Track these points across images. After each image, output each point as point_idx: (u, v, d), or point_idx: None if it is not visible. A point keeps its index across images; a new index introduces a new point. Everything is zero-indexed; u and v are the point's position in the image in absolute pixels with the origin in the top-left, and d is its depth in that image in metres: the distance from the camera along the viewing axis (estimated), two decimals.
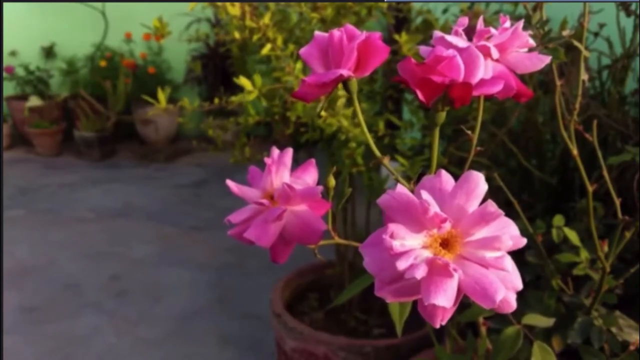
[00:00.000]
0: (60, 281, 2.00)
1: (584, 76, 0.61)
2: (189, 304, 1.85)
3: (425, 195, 0.32)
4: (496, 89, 0.38)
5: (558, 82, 0.62)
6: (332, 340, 1.20)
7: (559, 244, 0.79)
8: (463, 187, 0.33)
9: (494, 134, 1.15)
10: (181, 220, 2.51)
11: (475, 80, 0.38)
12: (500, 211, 0.31)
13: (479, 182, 0.33)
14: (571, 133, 0.63)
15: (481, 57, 0.38)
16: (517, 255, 0.85)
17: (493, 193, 1.03)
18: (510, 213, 0.79)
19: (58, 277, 2.03)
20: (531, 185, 1.16)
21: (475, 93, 0.38)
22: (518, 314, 0.65)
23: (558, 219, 0.79)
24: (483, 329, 0.71)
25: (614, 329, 0.68)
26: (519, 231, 0.80)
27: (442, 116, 0.40)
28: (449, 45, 0.39)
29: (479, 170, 0.33)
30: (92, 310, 1.82)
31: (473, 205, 0.33)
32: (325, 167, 1.17)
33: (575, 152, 0.63)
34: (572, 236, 0.76)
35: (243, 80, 0.94)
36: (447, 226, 0.32)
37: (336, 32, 0.40)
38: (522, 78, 1.12)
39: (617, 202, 0.67)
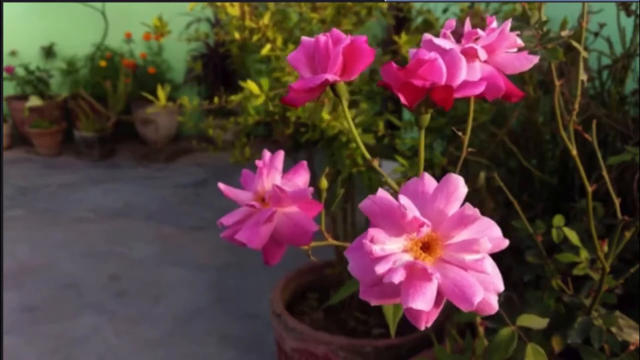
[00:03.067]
0: (60, 281, 2.00)
1: (583, 76, 0.61)
2: (189, 304, 1.86)
3: (403, 199, 0.32)
4: (478, 90, 0.38)
5: (557, 82, 0.62)
6: (332, 340, 1.20)
7: (559, 244, 0.79)
8: (443, 190, 0.33)
9: (494, 134, 1.15)
10: (181, 220, 2.51)
11: (457, 82, 0.38)
12: (479, 214, 0.32)
13: (458, 185, 0.33)
14: (571, 133, 0.63)
15: (463, 59, 0.38)
16: (517, 255, 0.84)
17: (493, 193, 1.03)
18: (510, 213, 0.79)
19: (58, 277, 2.03)
20: (531, 185, 1.16)
21: (457, 95, 0.38)
22: (518, 314, 0.65)
23: (558, 219, 0.79)
24: (481, 329, 0.71)
25: (614, 329, 0.68)
26: (519, 231, 0.80)
27: (426, 119, 0.40)
28: (436, 47, 0.39)
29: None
30: (92, 310, 1.82)
31: (453, 209, 0.33)
32: (325, 166, 1.16)
33: (574, 152, 0.63)
34: (572, 236, 0.76)
35: (251, 85, 0.93)
36: (426, 230, 0.32)
37: (322, 37, 0.40)
38: (522, 78, 1.12)
39: (617, 202, 0.67)
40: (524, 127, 1.20)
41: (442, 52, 0.38)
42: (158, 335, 1.68)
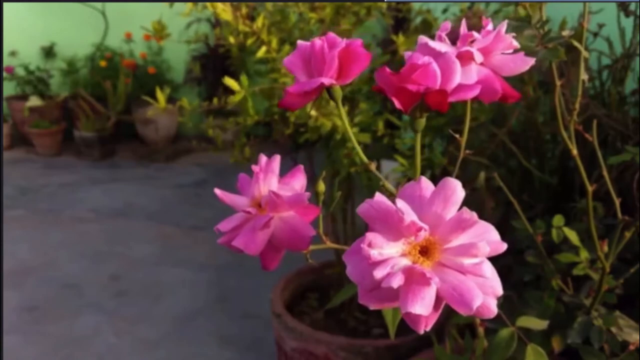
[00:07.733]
0: (60, 281, 2.00)
1: (584, 76, 0.61)
2: (189, 303, 1.85)
3: (400, 203, 0.32)
4: (473, 93, 0.38)
5: (558, 82, 0.62)
6: (332, 340, 1.20)
7: (559, 244, 0.79)
8: (440, 194, 0.33)
9: (494, 134, 1.14)
10: (181, 220, 2.51)
11: (451, 86, 0.38)
12: (476, 218, 0.31)
13: (455, 189, 0.32)
14: (571, 133, 0.63)
15: (457, 63, 0.38)
16: (517, 255, 0.84)
17: (493, 193, 1.03)
18: (510, 213, 0.79)
19: (58, 277, 2.03)
20: (531, 185, 1.16)
21: (451, 99, 0.38)
22: (518, 314, 0.65)
23: (558, 219, 0.79)
24: (481, 330, 0.71)
25: (614, 329, 0.68)
26: (519, 231, 0.80)
27: (421, 123, 0.40)
28: (431, 51, 0.39)
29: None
30: (92, 310, 1.82)
31: (450, 212, 0.32)
32: (325, 166, 1.16)
33: (575, 152, 0.63)
34: (572, 236, 0.76)
35: (229, 82, 0.93)
36: (424, 234, 0.32)
37: (317, 41, 0.40)
38: (521, 78, 1.12)
39: (617, 202, 0.67)
40: (524, 127, 1.20)
41: (437, 55, 0.38)
42: (158, 335, 1.68)
